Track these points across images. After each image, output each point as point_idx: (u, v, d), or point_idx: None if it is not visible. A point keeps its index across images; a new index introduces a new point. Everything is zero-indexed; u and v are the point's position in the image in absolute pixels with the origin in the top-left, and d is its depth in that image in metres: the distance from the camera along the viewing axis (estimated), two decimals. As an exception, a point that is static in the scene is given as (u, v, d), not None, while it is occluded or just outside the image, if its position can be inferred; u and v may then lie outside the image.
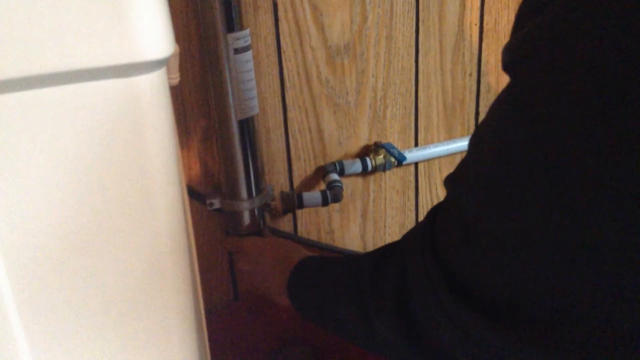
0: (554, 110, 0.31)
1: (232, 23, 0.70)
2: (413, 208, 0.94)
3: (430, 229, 0.43)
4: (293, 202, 0.81)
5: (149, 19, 0.31)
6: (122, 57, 0.31)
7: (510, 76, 0.35)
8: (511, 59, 0.35)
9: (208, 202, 0.78)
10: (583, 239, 0.32)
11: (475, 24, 0.87)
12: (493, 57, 0.89)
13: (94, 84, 0.32)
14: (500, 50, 0.80)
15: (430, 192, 0.94)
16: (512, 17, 0.87)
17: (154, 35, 0.32)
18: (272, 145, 0.82)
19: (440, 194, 0.94)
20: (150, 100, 0.34)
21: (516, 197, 0.34)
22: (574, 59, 0.30)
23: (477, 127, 0.40)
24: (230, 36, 0.70)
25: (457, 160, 0.92)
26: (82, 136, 0.33)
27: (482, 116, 0.92)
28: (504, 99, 0.36)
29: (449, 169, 0.92)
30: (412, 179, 0.92)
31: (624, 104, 0.28)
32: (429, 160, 0.92)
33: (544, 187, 0.32)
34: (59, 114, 0.32)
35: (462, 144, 0.91)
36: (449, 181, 0.42)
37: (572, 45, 0.30)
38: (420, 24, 0.83)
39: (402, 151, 0.87)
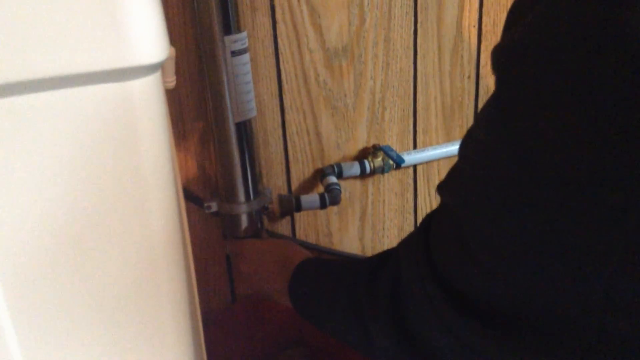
0: (541, 115, 0.31)
1: (230, 25, 0.70)
2: (412, 211, 0.94)
3: (425, 237, 0.43)
4: (291, 205, 0.81)
5: (142, 23, 0.31)
6: (115, 62, 0.31)
7: (497, 79, 0.35)
8: (497, 61, 0.35)
9: (205, 205, 0.78)
10: (574, 242, 0.32)
11: (474, 26, 0.87)
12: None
13: (87, 88, 0.31)
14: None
15: (429, 194, 0.94)
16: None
17: (148, 39, 0.31)
18: (269, 148, 0.81)
19: (439, 196, 0.94)
20: (145, 104, 0.33)
21: (506, 203, 0.34)
22: (557, 62, 0.30)
23: (466, 132, 0.40)
24: (228, 38, 0.70)
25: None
26: (75, 140, 0.32)
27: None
28: (491, 103, 0.36)
29: (447, 171, 0.92)
30: (411, 181, 0.92)
31: (613, 104, 0.28)
32: (427, 163, 0.92)
33: (533, 193, 0.32)
34: (51, 118, 0.31)
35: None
36: (441, 188, 0.42)
37: (555, 47, 0.30)
38: (418, 26, 0.83)
39: (400, 154, 0.87)
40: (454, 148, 0.91)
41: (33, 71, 0.30)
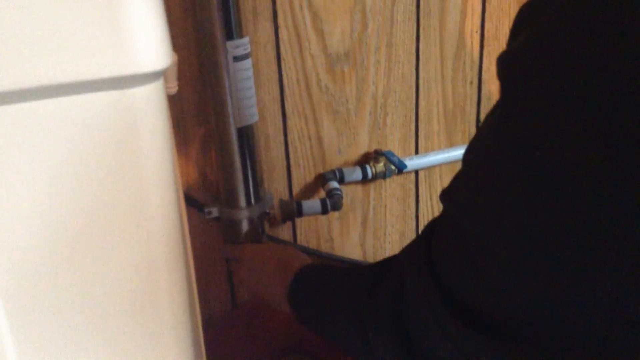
0: (546, 121, 0.31)
1: (232, 31, 0.70)
2: (413, 216, 0.94)
3: (427, 245, 0.43)
4: (292, 210, 0.81)
5: (145, 30, 0.31)
6: (118, 69, 0.31)
7: (502, 86, 0.35)
8: (503, 68, 0.35)
9: (206, 210, 0.77)
10: (579, 251, 0.31)
11: (477, 32, 0.86)
12: (494, 65, 0.88)
13: (90, 95, 0.31)
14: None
15: (431, 200, 0.93)
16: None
17: (151, 47, 0.31)
18: (271, 153, 0.81)
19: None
20: (147, 111, 0.33)
21: (508, 213, 0.34)
22: (563, 69, 0.30)
23: (471, 141, 0.40)
24: (230, 44, 0.70)
25: (458, 168, 0.91)
26: (77, 147, 0.32)
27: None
28: (495, 110, 0.36)
29: (449, 176, 0.91)
30: (413, 187, 0.92)
31: (616, 114, 0.28)
32: (429, 168, 0.91)
33: (537, 200, 0.32)
34: (55, 125, 0.31)
35: (463, 151, 0.90)
36: (444, 196, 0.42)
37: (561, 53, 0.30)
38: (420, 31, 0.83)
39: (402, 159, 0.87)
40: (456, 153, 0.90)
41: (36, 79, 0.30)
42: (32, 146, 0.31)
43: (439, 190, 0.93)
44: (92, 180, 0.33)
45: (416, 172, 0.91)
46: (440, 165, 0.91)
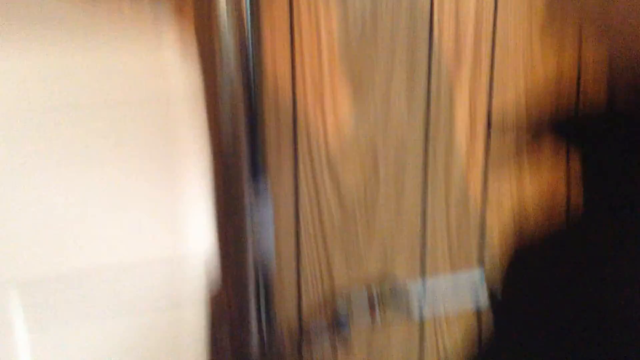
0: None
1: (257, 170, 0.75)
2: (417, 349, 0.95)
3: None
4: (301, 336, 0.83)
5: (195, 226, 0.36)
6: (172, 253, 0.36)
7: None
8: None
9: (218, 336, 0.80)
10: None
11: (479, 186, 0.93)
12: (496, 207, 0.94)
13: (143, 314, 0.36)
14: (503, 213, 0.85)
15: (436, 336, 0.96)
16: (514, 171, 0.93)
17: (198, 239, 0.36)
18: (284, 281, 0.85)
19: (448, 345, 0.95)
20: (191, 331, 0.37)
21: None
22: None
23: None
24: (252, 182, 0.75)
25: (462, 316, 0.94)
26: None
27: (486, 267, 0.95)
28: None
29: (455, 323, 0.94)
30: (417, 330, 0.94)
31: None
32: (435, 317, 0.94)
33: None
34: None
35: (466, 277, 0.94)
36: None
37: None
38: (428, 181, 0.89)
39: (408, 290, 0.90)
40: (460, 279, 0.94)
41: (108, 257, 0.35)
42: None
43: (445, 332, 0.95)
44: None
45: (421, 319, 0.94)
46: (447, 314, 0.94)
